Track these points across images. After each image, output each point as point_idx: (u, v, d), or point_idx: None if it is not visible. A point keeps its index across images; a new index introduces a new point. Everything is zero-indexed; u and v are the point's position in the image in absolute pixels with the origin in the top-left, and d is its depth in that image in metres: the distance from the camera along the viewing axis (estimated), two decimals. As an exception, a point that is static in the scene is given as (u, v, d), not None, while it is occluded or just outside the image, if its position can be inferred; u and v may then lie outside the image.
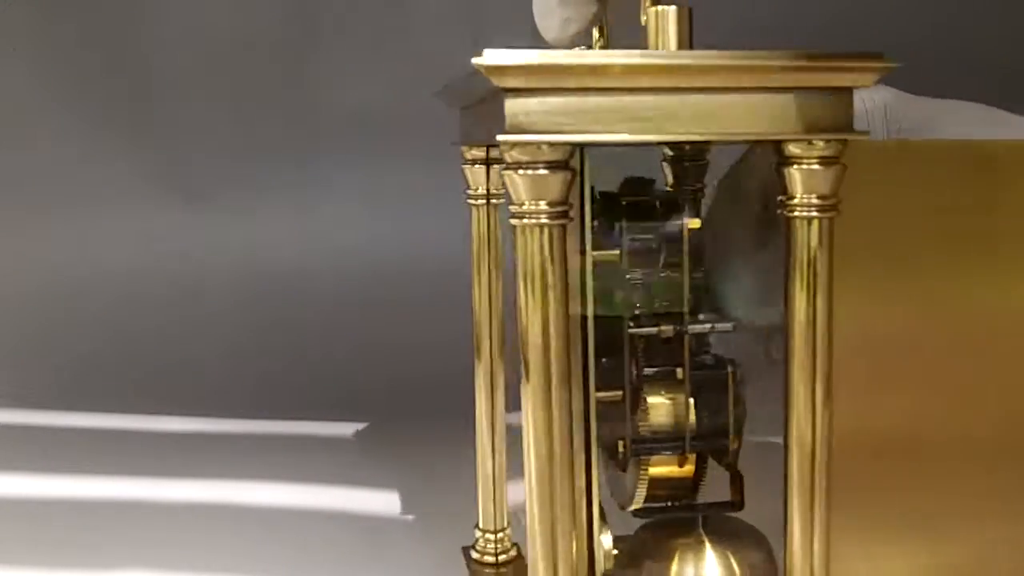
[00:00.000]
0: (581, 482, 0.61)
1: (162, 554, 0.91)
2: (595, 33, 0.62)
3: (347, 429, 1.28)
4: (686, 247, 0.61)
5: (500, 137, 0.50)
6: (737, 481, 0.65)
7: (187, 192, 1.75)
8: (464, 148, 0.77)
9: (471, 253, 0.80)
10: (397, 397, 1.38)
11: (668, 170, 0.69)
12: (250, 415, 1.33)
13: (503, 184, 0.52)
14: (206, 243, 1.73)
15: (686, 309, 0.61)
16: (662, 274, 0.63)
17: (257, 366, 1.53)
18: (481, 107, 0.61)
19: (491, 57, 0.49)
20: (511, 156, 0.50)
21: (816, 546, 0.55)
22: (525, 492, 0.55)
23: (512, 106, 0.50)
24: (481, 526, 0.83)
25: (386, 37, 1.67)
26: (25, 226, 1.76)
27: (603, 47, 0.63)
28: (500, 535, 0.82)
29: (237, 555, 0.90)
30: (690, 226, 0.61)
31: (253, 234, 1.72)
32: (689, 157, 0.68)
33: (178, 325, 1.64)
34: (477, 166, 0.78)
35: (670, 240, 0.62)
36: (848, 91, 0.52)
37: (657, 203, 0.63)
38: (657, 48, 0.55)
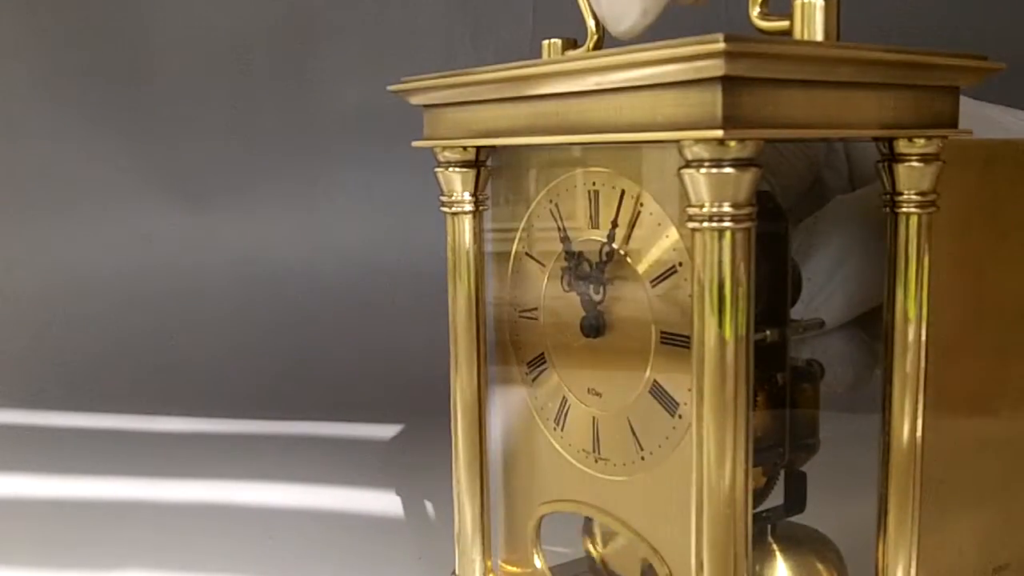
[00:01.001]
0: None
1: (162, 554, 0.91)
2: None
3: (347, 429, 1.28)
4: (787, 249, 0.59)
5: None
6: (798, 483, 0.62)
7: (187, 192, 1.74)
8: (437, 149, 0.64)
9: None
10: (397, 397, 1.38)
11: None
12: (250, 415, 1.33)
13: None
14: (206, 243, 1.72)
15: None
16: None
17: (257, 366, 1.53)
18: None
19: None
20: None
21: (912, 551, 0.55)
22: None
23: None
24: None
25: (386, 37, 1.67)
26: (25, 226, 1.76)
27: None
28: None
29: (237, 555, 0.90)
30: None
31: (253, 234, 1.72)
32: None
33: (178, 325, 1.64)
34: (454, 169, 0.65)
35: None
36: (954, 90, 0.52)
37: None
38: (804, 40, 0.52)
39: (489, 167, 0.64)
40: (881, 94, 0.50)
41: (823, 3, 0.49)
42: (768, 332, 0.56)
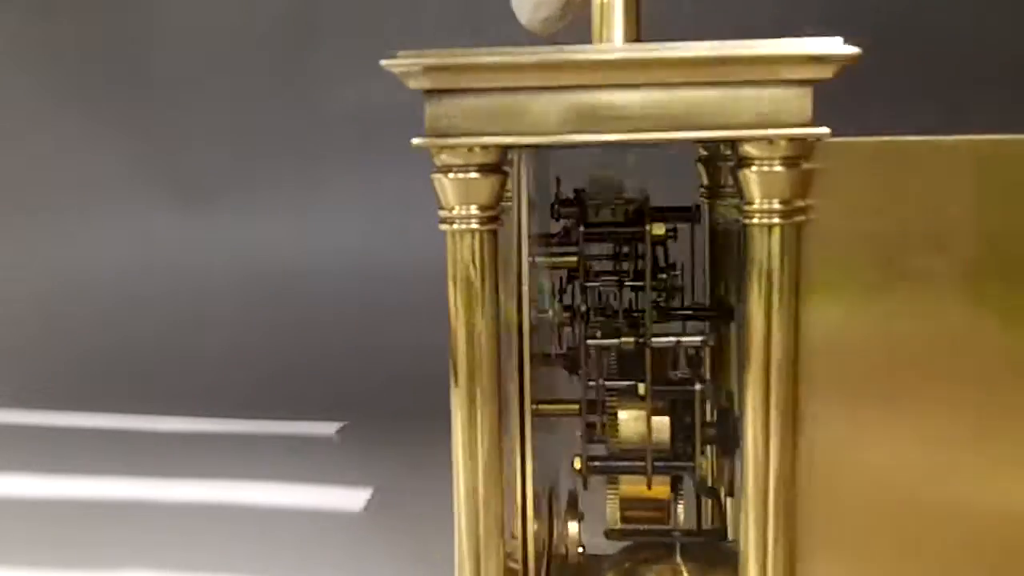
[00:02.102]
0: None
1: (162, 554, 0.91)
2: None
3: (347, 429, 1.28)
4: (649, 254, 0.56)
5: (415, 141, 0.50)
6: (719, 507, 0.61)
7: (187, 192, 1.75)
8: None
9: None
10: (397, 397, 1.38)
11: (702, 171, 0.66)
12: (250, 415, 1.33)
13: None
14: (206, 243, 1.72)
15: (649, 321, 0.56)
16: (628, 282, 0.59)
17: (257, 366, 1.53)
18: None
19: (404, 59, 0.49)
20: (440, 160, 0.50)
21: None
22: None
23: (433, 109, 0.50)
24: None
25: (386, 37, 1.66)
26: (25, 226, 1.76)
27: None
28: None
29: (237, 555, 0.90)
30: (655, 232, 0.57)
31: (253, 234, 1.72)
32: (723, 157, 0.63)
33: (178, 325, 1.64)
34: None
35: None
36: (807, 84, 0.47)
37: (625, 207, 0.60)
38: (601, 41, 0.52)
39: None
40: (707, 93, 0.48)
41: (622, 4, 0.50)
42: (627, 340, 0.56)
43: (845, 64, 0.46)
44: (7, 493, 1.08)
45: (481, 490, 0.54)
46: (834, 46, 0.46)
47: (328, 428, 1.29)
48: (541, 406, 0.59)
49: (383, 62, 0.50)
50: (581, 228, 0.59)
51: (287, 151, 1.73)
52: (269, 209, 1.73)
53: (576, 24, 0.59)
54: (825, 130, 0.47)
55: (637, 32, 0.51)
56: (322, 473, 1.10)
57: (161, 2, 1.72)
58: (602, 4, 0.51)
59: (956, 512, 0.49)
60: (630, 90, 0.48)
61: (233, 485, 1.08)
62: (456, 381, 0.54)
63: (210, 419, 1.32)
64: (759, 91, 0.47)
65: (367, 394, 1.41)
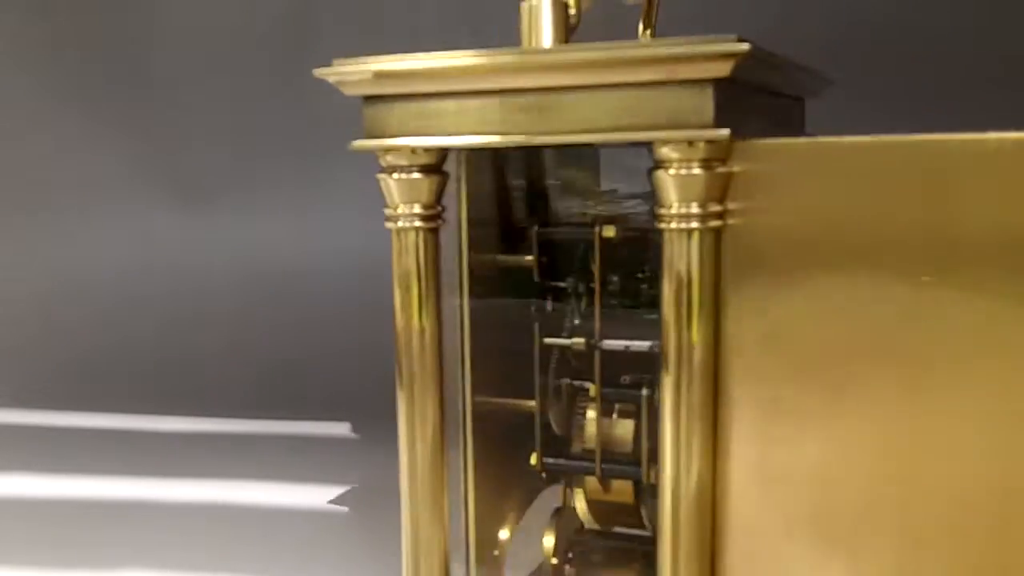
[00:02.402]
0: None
1: (162, 554, 0.91)
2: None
3: (347, 429, 1.28)
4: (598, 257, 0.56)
5: (354, 143, 0.53)
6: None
7: (187, 192, 1.74)
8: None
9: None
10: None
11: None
12: (250, 415, 1.33)
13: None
14: (206, 243, 1.72)
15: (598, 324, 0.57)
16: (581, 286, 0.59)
17: (257, 366, 1.53)
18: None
19: (339, 68, 0.51)
20: (385, 161, 0.53)
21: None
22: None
23: (371, 113, 0.52)
24: None
25: (386, 36, 1.66)
26: (25, 226, 1.76)
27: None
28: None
29: (237, 555, 0.90)
30: (605, 234, 0.56)
31: (253, 234, 1.72)
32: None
33: (178, 325, 1.64)
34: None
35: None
36: (707, 83, 0.45)
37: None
38: (531, 44, 0.52)
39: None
40: (610, 95, 0.47)
41: (550, 7, 0.50)
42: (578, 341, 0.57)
43: (739, 62, 0.44)
44: (7, 493, 1.08)
45: (421, 488, 0.57)
46: (725, 44, 0.44)
47: (327, 428, 1.29)
48: (496, 401, 0.61)
49: (316, 71, 0.52)
50: (535, 229, 0.60)
51: (287, 151, 1.73)
52: (269, 209, 1.73)
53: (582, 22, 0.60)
54: (724, 132, 0.45)
55: (566, 35, 0.51)
56: (322, 473, 1.10)
57: (161, 2, 1.72)
58: (530, 7, 0.51)
59: (877, 513, 0.47)
60: (547, 93, 0.49)
61: (233, 485, 1.08)
62: (400, 378, 0.57)
63: (210, 419, 1.32)
64: (660, 92, 0.46)
65: (367, 394, 1.41)
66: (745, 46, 0.44)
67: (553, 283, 0.60)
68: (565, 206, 0.64)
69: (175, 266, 1.71)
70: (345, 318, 1.60)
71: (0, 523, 0.99)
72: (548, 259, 0.61)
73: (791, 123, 0.63)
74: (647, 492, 0.59)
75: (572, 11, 0.53)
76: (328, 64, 0.53)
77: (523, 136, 0.49)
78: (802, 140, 0.48)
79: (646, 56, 0.46)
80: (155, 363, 1.56)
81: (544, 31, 0.51)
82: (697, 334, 0.47)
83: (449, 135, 0.51)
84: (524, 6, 0.52)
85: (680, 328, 0.47)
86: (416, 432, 0.56)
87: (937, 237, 0.45)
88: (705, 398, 0.47)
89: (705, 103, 0.45)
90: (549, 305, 0.61)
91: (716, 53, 0.44)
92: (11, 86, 1.75)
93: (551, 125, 0.49)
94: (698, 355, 0.47)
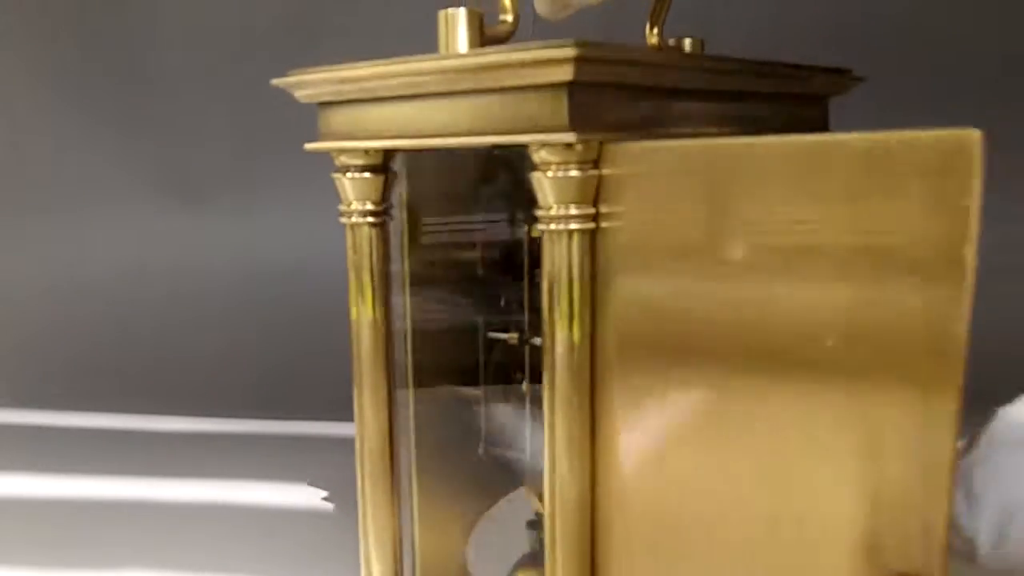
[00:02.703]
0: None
1: (162, 554, 0.91)
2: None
3: (346, 429, 1.28)
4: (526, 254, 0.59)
5: (307, 146, 0.59)
6: None
7: (186, 192, 1.74)
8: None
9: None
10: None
11: None
12: (250, 415, 1.33)
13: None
14: (205, 243, 1.72)
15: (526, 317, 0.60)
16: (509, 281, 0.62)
17: (257, 366, 1.53)
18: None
19: (292, 77, 0.58)
20: (340, 161, 0.58)
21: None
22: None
23: (324, 117, 0.58)
24: None
25: (386, 36, 1.66)
26: (25, 226, 1.76)
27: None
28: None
29: (237, 555, 0.90)
30: (534, 234, 0.57)
31: (252, 234, 1.72)
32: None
33: (177, 325, 1.64)
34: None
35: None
36: (560, 87, 0.46)
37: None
38: (447, 50, 0.53)
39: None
40: (477, 100, 0.50)
41: (466, 14, 0.52)
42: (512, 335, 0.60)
43: (579, 65, 0.44)
44: (7, 493, 1.08)
45: (369, 479, 0.60)
46: (559, 49, 0.44)
47: (327, 428, 1.28)
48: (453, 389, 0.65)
49: (273, 81, 0.59)
50: (477, 227, 0.64)
51: (286, 151, 1.73)
52: (269, 209, 1.73)
53: (580, 16, 0.62)
54: (570, 136, 0.45)
55: (480, 40, 0.52)
56: (322, 473, 1.10)
57: (161, 2, 1.72)
58: (447, 15, 0.52)
59: (750, 516, 0.46)
60: (440, 98, 0.52)
61: (233, 485, 1.08)
62: (356, 368, 0.60)
63: (210, 419, 1.32)
64: (521, 97, 0.47)
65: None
66: (575, 51, 0.43)
67: (496, 279, 0.64)
68: (505, 205, 0.65)
69: (174, 266, 1.71)
70: (344, 318, 1.60)
71: (0, 523, 1.00)
72: (490, 256, 0.64)
73: (792, 123, 0.63)
74: None
75: (508, 17, 0.54)
76: (327, 65, 0.57)
77: (438, 140, 0.53)
78: (657, 143, 0.47)
79: (491, 63, 0.48)
80: (155, 363, 1.56)
81: (459, 38, 0.53)
82: (576, 333, 0.47)
83: (383, 138, 0.56)
84: (440, 15, 0.54)
85: (557, 327, 0.48)
86: (366, 415, 0.60)
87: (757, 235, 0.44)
88: (582, 394, 0.48)
89: (559, 107, 0.46)
90: (500, 301, 0.64)
91: (552, 59, 0.45)
92: (12, 86, 1.75)
93: (436, 127, 0.52)
94: (577, 353, 0.48)
